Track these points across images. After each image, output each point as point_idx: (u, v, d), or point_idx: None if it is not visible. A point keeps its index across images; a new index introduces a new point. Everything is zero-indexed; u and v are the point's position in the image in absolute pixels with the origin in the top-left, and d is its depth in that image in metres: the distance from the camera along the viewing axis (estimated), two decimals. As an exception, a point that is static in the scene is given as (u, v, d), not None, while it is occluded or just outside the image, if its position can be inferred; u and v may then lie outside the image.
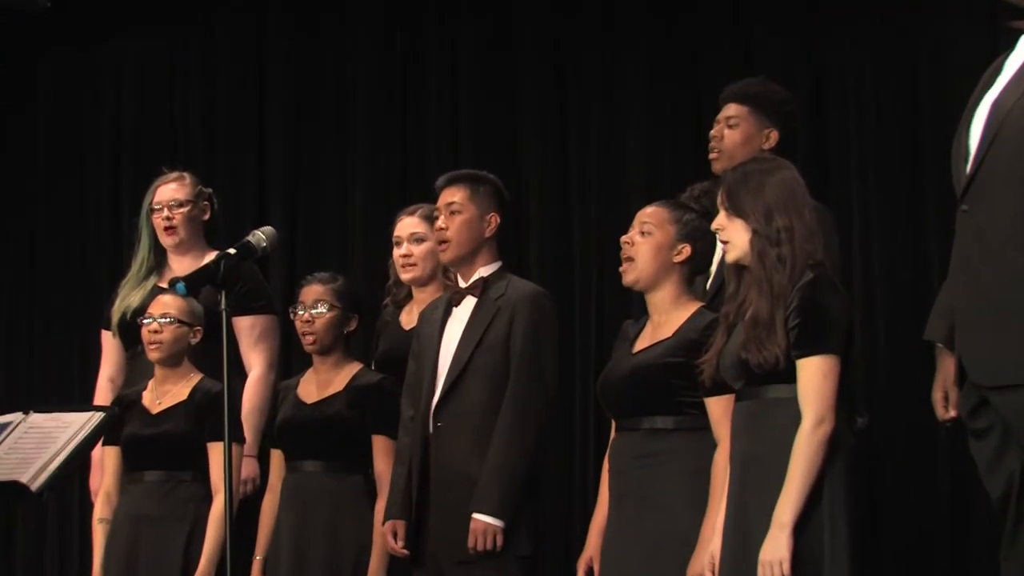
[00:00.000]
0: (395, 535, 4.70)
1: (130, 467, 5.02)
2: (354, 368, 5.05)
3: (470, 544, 4.52)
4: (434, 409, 4.68)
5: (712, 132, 4.99)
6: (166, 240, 5.46)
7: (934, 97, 5.71)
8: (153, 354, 5.02)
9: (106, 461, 5.10)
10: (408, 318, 5.25)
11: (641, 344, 4.36)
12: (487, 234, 4.79)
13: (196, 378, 5.04)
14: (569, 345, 6.05)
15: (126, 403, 5.07)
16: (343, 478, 4.94)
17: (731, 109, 4.96)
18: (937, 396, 3.94)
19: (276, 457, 5.08)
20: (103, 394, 5.49)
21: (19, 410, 4.35)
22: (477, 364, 4.66)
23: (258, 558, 5.03)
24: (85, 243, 7.30)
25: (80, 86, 7.39)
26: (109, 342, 5.54)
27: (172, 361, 5.03)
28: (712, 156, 4.97)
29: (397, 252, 5.27)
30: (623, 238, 4.41)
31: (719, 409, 4.15)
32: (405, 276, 5.24)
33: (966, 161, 3.65)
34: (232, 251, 4.12)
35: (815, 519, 3.79)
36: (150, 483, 4.97)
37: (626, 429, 4.33)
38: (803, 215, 3.94)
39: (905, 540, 5.59)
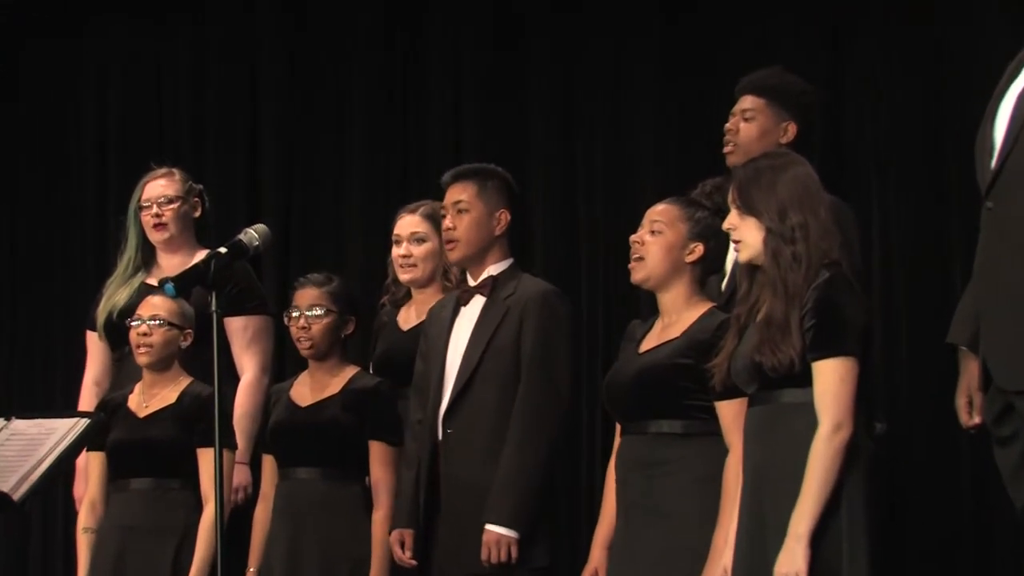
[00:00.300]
0: (402, 544, 4.72)
1: (116, 474, 5.02)
2: (351, 371, 5.05)
3: (483, 556, 4.52)
4: (443, 415, 4.69)
5: (727, 125, 4.98)
6: (155, 236, 5.47)
7: (957, 88, 5.71)
8: (142, 358, 5.03)
9: (91, 468, 5.10)
10: (406, 318, 5.26)
11: (648, 344, 4.37)
12: (497, 232, 4.80)
13: (185, 382, 5.04)
14: (575, 346, 6.05)
15: (112, 407, 5.07)
16: (339, 486, 4.93)
17: (747, 101, 4.96)
18: (960, 401, 3.94)
19: (268, 463, 5.07)
20: (88, 398, 5.50)
21: (0, 416, 4.36)
22: (487, 367, 4.66)
23: (251, 570, 5.03)
24: (69, 241, 7.31)
25: (64, 78, 7.39)
26: (94, 343, 5.55)
27: (161, 365, 5.03)
28: (727, 150, 4.97)
29: (396, 251, 5.27)
30: (632, 237, 4.41)
31: (731, 413, 4.14)
32: (404, 277, 5.25)
33: (991, 156, 3.66)
34: (223, 250, 4.14)
35: (833, 530, 3.80)
36: (137, 491, 4.97)
37: (632, 433, 4.33)
38: (818, 212, 3.95)
39: (927, 550, 5.59)
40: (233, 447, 4.98)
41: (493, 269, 4.80)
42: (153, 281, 5.36)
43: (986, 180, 3.65)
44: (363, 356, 5.36)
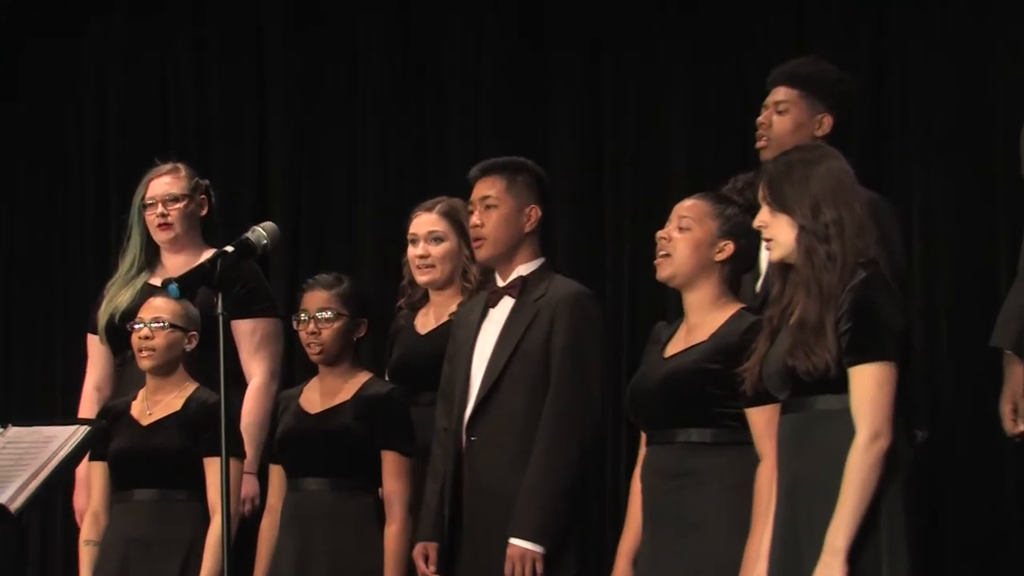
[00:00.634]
0: (426, 559, 4.72)
1: (119, 485, 5.03)
2: (363, 377, 5.03)
3: (507, 572, 4.52)
4: (467, 422, 4.70)
5: (760, 119, 4.99)
6: (160, 236, 5.48)
7: (1004, 77, 5.70)
8: (144, 362, 5.03)
9: (92, 478, 5.11)
10: (424, 322, 5.27)
11: (674, 348, 4.36)
12: (527, 229, 4.79)
13: (191, 388, 5.05)
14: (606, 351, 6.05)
15: (114, 415, 5.08)
16: (349, 497, 4.92)
17: (780, 93, 4.97)
18: (1005, 408, 3.95)
19: (276, 474, 5.07)
20: (89, 404, 5.51)
21: (-3, 423, 4.38)
22: (514, 372, 4.67)
23: (257, 585, 5.06)
24: (70, 241, 7.33)
25: (63, 71, 7.41)
26: (96, 347, 5.56)
27: (165, 369, 5.04)
28: (760, 145, 4.97)
29: (412, 251, 5.26)
30: (659, 234, 4.40)
31: (762, 420, 4.13)
32: (422, 279, 5.25)
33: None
34: (230, 249, 4.14)
35: (872, 543, 3.80)
36: (141, 503, 4.97)
37: (658, 443, 4.32)
38: (853, 207, 3.94)
39: (969, 558, 5.58)
40: (241, 456, 4.98)
41: (523, 269, 4.80)
42: (156, 282, 5.36)
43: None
44: (376, 361, 5.37)
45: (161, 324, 5.00)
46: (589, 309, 4.72)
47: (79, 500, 5.44)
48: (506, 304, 4.77)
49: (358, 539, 4.90)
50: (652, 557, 4.30)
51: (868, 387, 3.82)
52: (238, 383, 5.34)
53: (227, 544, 4.03)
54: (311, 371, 5.15)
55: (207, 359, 4.84)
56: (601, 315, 4.77)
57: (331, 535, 4.89)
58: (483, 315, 4.80)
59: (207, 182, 5.61)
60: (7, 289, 7.47)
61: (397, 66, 6.87)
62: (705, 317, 4.35)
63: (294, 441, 5.01)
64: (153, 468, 4.98)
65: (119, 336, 5.31)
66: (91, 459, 5.04)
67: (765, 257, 4.57)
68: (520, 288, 4.76)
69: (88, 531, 5.09)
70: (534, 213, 4.80)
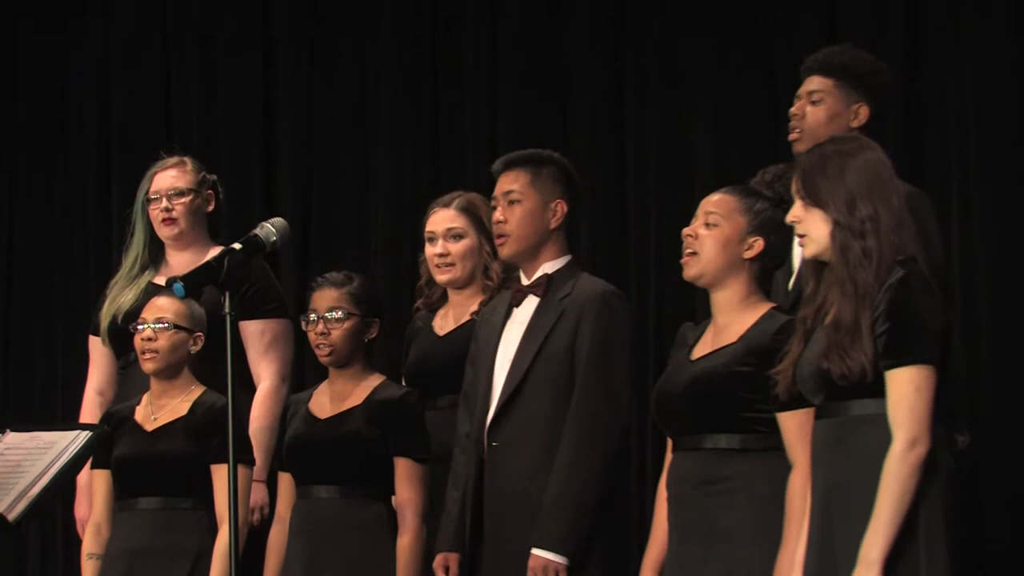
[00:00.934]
0: (447, 570, 4.73)
1: (122, 494, 5.03)
2: (375, 380, 5.04)
3: (529, 584, 4.53)
4: (488, 426, 4.70)
5: (792, 110, 4.99)
6: (164, 231, 5.49)
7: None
8: (148, 364, 5.03)
9: (95, 487, 5.11)
10: (443, 323, 5.27)
11: (701, 350, 4.35)
12: (553, 224, 4.80)
13: (197, 391, 5.05)
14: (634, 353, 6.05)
15: (117, 420, 5.08)
16: (361, 506, 4.93)
17: (814, 82, 4.97)
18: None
19: (285, 482, 5.08)
20: (90, 409, 5.52)
21: (-6, 428, 4.39)
22: (538, 374, 4.67)
23: (266, 597, 5.07)
24: (70, 238, 7.34)
25: (62, 61, 7.42)
26: (98, 349, 5.57)
27: (169, 372, 5.04)
28: (792, 137, 4.98)
29: (430, 250, 5.26)
30: (685, 231, 4.40)
31: (795, 426, 4.12)
32: (441, 278, 5.25)
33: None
34: (238, 246, 4.15)
35: (910, 555, 3.79)
36: (145, 512, 4.98)
37: (685, 449, 4.31)
38: (890, 202, 3.93)
39: (1013, 568, 5.57)
40: (250, 463, 4.98)
41: (548, 267, 4.80)
42: (161, 280, 5.37)
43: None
44: (389, 363, 5.37)
45: (165, 325, 5.00)
46: (617, 309, 4.72)
47: (80, 509, 5.45)
48: (531, 303, 4.78)
49: (369, 549, 4.90)
50: (678, 569, 4.29)
51: (906, 391, 3.81)
52: (246, 386, 5.35)
53: (235, 555, 4.03)
54: (322, 374, 5.15)
55: (214, 361, 4.86)
56: (629, 315, 4.77)
57: (342, 545, 4.89)
58: (507, 315, 4.81)
59: (214, 177, 5.62)
60: (5, 288, 7.48)
61: (409, 54, 6.86)
62: (734, 317, 4.34)
63: (303, 447, 5.01)
64: (158, 476, 4.98)
65: (122, 337, 5.32)
66: (93, 466, 5.05)
67: (798, 254, 4.56)
68: (545, 287, 4.76)
69: (90, 543, 5.09)
70: (560, 208, 4.80)
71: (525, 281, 4.82)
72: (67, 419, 6.14)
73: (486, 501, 4.69)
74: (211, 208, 5.57)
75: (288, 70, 7.07)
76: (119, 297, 5.47)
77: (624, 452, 4.85)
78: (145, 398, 5.10)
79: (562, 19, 6.62)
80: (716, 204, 4.40)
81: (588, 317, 4.66)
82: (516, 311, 4.80)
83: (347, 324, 5.00)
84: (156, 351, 5.01)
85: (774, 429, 4.19)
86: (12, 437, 4.31)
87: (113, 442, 5.03)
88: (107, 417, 5.18)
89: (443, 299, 5.33)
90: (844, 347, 3.85)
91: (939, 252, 4.74)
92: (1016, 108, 5.80)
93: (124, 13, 7.30)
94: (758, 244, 4.35)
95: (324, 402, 5.05)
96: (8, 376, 7.44)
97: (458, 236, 5.23)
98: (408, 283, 5.58)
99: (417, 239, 5.36)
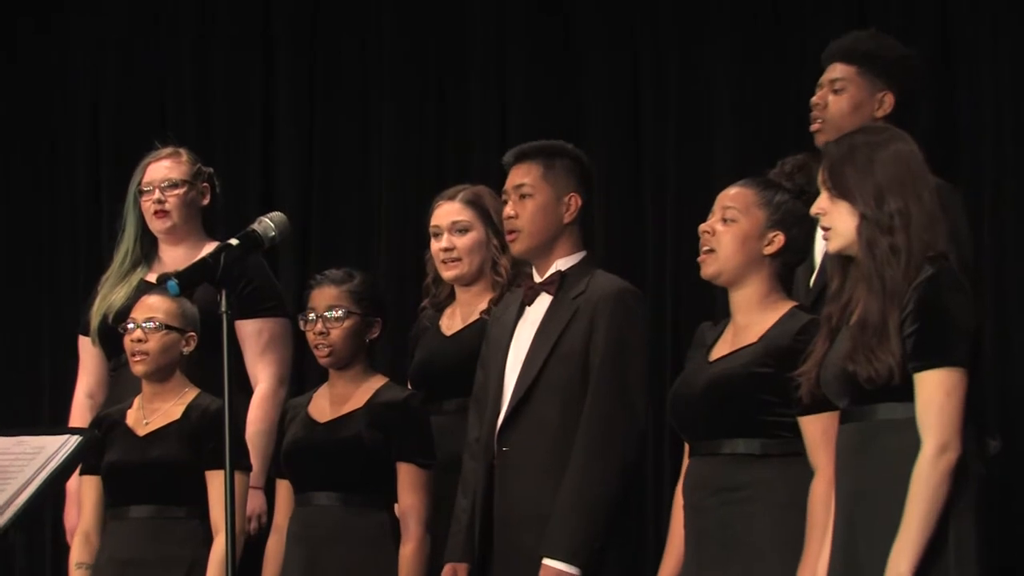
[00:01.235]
0: None
1: (113, 501, 5.04)
2: (377, 383, 5.03)
3: (539, 595, 4.54)
4: (499, 430, 4.70)
5: (814, 99, 4.99)
6: (156, 225, 5.49)
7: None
8: (137, 367, 5.03)
9: (84, 494, 5.12)
10: (450, 322, 5.27)
11: (720, 351, 4.35)
12: (566, 219, 4.79)
13: (191, 394, 5.06)
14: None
15: (108, 424, 5.09)
16: (362, 514, 4.92)
17: (837, 70, 4.96)
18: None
19: (283, 489, 5.07)
20: (80, 413, 5.53)
21: (-21, 433, 4.38)
22: (550, 376, 4.67)
23: (263, 610, 5.06)
24: (58, 233, 7.34)
25: (50, 47, 7.42)
26: (87, 350, 5.57)
27: (161, 375, 5.04)
28: (814, 128, 4.97)
29: (436, 245, 5.26)
30: (702, 227, 4.39)
31: (818, 430, 4.11)
32: (447, 274, 5.25)
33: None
34: (234, 242, 4.13)
35: (939, 566, 3.79)
36: (137, 520, 4.99)
37: (703, 454, 4.31)
38: (921, 196, 3.93)
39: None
40: (247, 469, 4.99)
41: (562, 263, 4.79)
42: (153, 278, 5.37)
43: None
44: (393, 365, 5.36)
45: (155, 324, 5.00)
46: (633, 307, 4.71)
47: (70, 517, 5.45)
48: (543, 302, 4.78)
49: (371, 559, 4.90)
50: (696, 581, 4.29)
51: (935, 395, 3.81)
52: (243, 389, 5.36)
53: (231, 565, 4.02)
54: (322, 376, 5.14)
55: (208, 363, 4.86)
56: (646, 314, 4.77)
57: (342, 554, 4.89)
58: (519, 313, 4.81)
59: (211, 169, 5.62)
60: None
61: (412, 43, 6.86)
62: (754, 317, 4.34)
63: (302, 452, 5.00)
64: (150, 482, 4.99)
65: (113, 338, 5.31)
66: (82, 473, 5.06)
67: (820, 248, 4.55)
68: (558, 284, 4.76)
69: (79, 553, 5.10)
70: (574, 202, 4.79)
71: (537, 278, 4.81)
72: (55, 423, 6.14)
73: (496, 508, 4.69)
74: (206, 201, 5.57)
75: (288, 60, 7.07)
76: (110, 295, 5.47)
77: (641, 461, 4.83)
78: (137, 401, 5.11)
79: (576, 4, 6.62)
80: (733, 198, 4.39)
81: (603, 316, 4.65)
82: (528, 310, 4.80)
83: (347, 323, 4.99)
84: (146, 353, 5.01)
85: (796, 434, 4.18)
86: (-2, 442, 4.32)
87: (104, 447, 5.04)
88: (97, 421, 5.20)
89: (450, 298, 5.33)
90: (871, 348, 3.85)
91: (969, 250, 4.73)
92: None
93: (117, 8, 7.30)
94: (778, 239, 4.34)
95: (324, 405, 5.04)
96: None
97: (464, 230, 5.22)
98: (414, 280, 5.57)
99: (423, 235, 5.35)
